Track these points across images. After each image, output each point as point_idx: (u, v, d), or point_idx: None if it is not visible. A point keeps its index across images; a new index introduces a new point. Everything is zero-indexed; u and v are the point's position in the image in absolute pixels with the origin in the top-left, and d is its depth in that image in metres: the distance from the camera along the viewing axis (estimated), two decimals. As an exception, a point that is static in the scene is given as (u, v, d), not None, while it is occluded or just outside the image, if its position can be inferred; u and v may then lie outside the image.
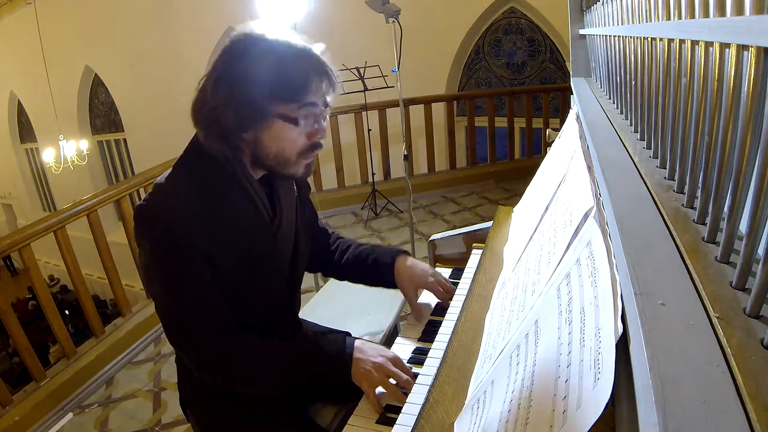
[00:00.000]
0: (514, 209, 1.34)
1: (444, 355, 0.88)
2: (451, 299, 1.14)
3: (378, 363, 0.91)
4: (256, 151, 0.89)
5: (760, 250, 0.45)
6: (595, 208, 0.71)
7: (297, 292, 1.11)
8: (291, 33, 0.88)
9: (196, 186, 0.88)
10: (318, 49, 0.88)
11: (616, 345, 0.46)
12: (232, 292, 0.93)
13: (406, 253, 1.18)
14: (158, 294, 0.90)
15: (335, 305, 1.65)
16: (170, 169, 0.91)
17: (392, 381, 0.91)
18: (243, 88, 0.82)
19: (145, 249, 0.88)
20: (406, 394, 0.89)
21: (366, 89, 3.99)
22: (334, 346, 0.95)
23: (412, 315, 1.15)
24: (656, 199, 0.65)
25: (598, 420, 0.43)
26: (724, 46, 0.47)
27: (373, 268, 1.16)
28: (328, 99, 0.90)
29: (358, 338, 1.01)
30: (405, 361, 0.99)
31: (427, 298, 1.20)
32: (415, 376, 0.94)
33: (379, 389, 0.91)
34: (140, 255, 0.90)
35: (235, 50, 0.85)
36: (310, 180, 1.15)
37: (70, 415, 2.31)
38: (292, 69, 0.84)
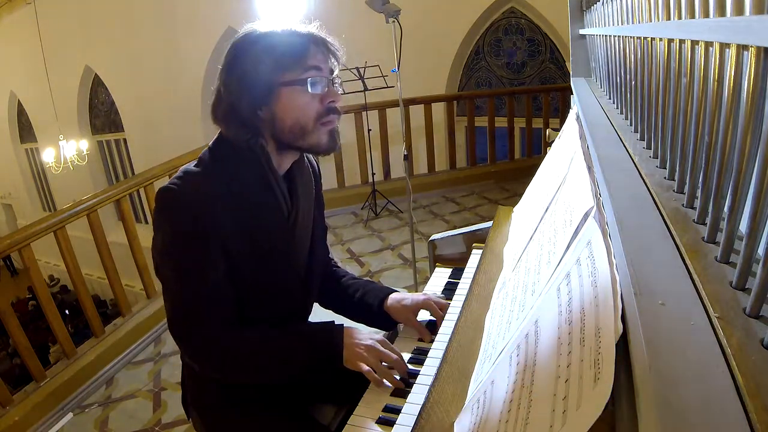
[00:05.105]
0: (514, 209, 1.34)
1: (444, 354, 0.88)
2: (444, 312, 1.11)
3: (369, 345, 0.94)
4: (275, 128, 0.90)
5: (760, 250, 0.45)
6: (595, 208, 0.71)
7: (311, 297, 1.10)
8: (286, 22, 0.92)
9: (223, 173, 0.90)
10: (312, 25, 0.92)
11: (616, 345, 0.46)
12: (246, 288, 0.94)
13: (391, 291, 1.14)
14: (170, 278, 0.90)
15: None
16: (195, 160, 0.93)
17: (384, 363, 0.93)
18: (250, 74, 0.87)
19: (164, 231, 0.89)
20: (404, 382, 0.92)
21: (366, 89, 3.99)
22: (325, 333, 0.97)
23: (420, 337, 1.09)
24: (656, 199, 0.65)
25: (598, 420, 0.43)
26: (724, 46, 0.47)
27: (358, 306, 1.13)
28: (332, 68, 0.92)
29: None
30: (405, 361, 0.99)
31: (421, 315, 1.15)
32: (414, 374, 0.94)
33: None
34: (156, 237, 0.90)
35: (236, 49, 0.90)
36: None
37: (70, 415, 2.31)
38: (289, 39, 0.89)
